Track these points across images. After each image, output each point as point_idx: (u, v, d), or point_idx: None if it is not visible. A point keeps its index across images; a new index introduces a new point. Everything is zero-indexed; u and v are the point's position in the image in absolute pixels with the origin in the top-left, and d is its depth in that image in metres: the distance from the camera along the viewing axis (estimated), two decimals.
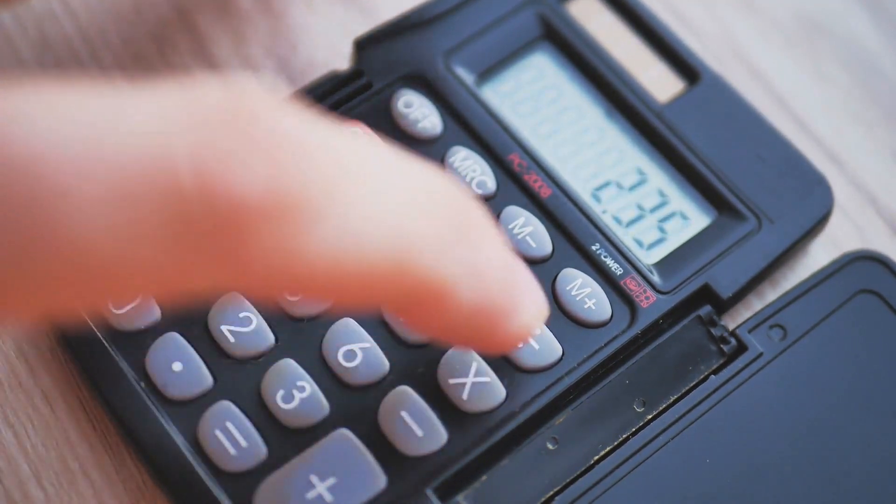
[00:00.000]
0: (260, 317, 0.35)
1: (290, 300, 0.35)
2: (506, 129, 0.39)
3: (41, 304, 0.26)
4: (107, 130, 0.24)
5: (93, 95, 0.25)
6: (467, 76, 0.40)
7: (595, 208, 0.38)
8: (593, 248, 0.37)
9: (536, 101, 0.40)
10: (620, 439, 0.35)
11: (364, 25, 0.42)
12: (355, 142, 0.28)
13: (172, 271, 0.25)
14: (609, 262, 0.37)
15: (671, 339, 0.36)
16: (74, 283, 0.25)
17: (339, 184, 0.26)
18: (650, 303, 0.36)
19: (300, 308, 0.35)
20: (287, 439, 0.34)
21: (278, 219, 0.25)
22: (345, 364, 0.35)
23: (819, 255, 0.40)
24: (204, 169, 0.24)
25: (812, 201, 0.39)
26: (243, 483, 0.33)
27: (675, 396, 0.36)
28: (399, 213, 0.28)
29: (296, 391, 0.34)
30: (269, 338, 0.35)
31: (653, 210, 0.39)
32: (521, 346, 0.35)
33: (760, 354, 0.36)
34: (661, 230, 0.38)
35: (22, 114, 0.24)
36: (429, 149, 0.39)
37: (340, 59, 0.42)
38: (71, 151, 0.24)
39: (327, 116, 0.38)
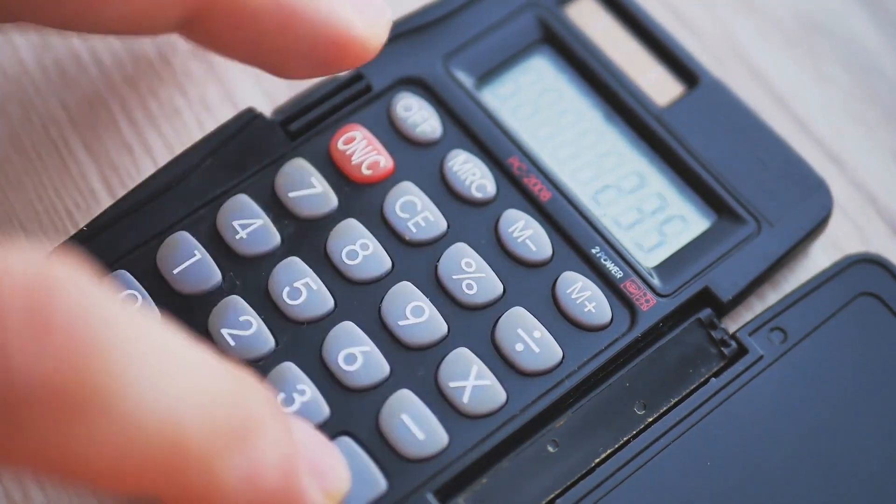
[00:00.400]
0: (260, 320, 0.35)
1: (290, 303, 0.36)
2: (505, 132, 0.39)
3: None
4: None
5: None
6: (467, 79, 0.40)
7: (595, 211, 0.38)
8: (593, 251, 0.37)
9: (536, 104, 0.40)
10: (621, 442, 0.35)
11: None
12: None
13: None
14: (609, 265, 0.37)
15: (671, 342, 0.36)
16: None
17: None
18: (650, 306, 0.36)
19: (300, 311, 0.35)
20: None
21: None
22: (345, 367, 0.35)
23: (819, 255, 0.40)
24: None
25: (811, 204, 0.39)
26: None
27: (676, 399, 0.36)
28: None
29: (296, 395, 0.34)
30: (270, 341, 0.35)
31: (653, 213, 0.39)
32: (359, 58, 0.34)
33: (761, 357, 0.36)
34: (661, 233, 0.38)
35: None
36: (428, 152, 0.39)
37: None
38: None
39: (327, 120, 0.38)
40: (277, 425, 0.29)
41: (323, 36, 0.32)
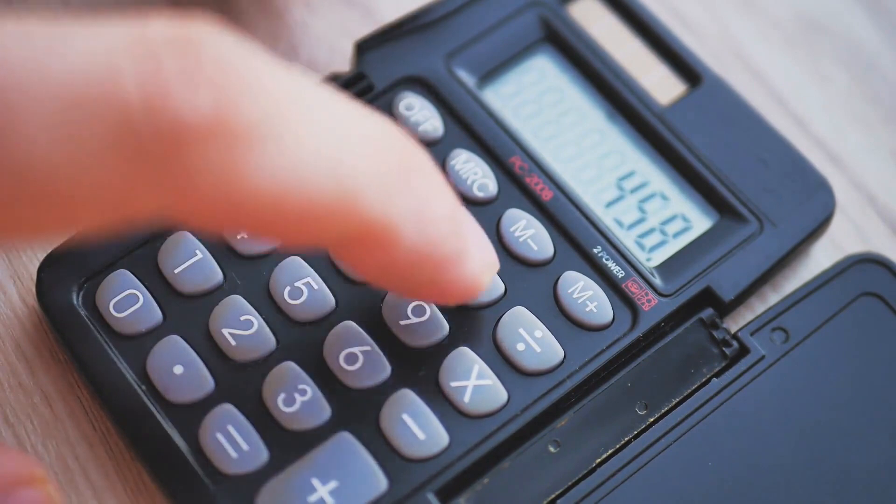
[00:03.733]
0: (261, 320, 0.35)
1: (292, 303, 0.35)
2: (507, 131, 0.39)
3: None
4: (52, 53, 0.25)
5: (34, 24, 0.25)
6: (469, 78, 0.40)
7: (597, 211, 0.38)
8: (595, 250, 0.37)
9: (538, 103, 0.40)
10: (622, 442, 0.35)
11: (365, 27, 0.42)
12: (304, 77, 0.28)
13: (116, 191, 0.25)
14: (611, 264, 0.37)
15: (673, 341, 0.36)
16: (16, 201, 0.25)
17: (285, 112, 0.27)
18: (652, 306, 0.36)
19: (302, 311, 0.35)
20: (288, 442, 0.34)
21: (221, 140, 0.25)
22: (346, 367, 0.35)
23: (819, 255, 0.40)
24: (150, 89, 0.25)
25: (814, 204, 0.39)
26: (244, 486, 0.33)
27: (678, 399, 0.36)
28: (346, 150, 0.28)
29: (297, 394, 0.34)
30: (271, 341, 0.35)
31: (654, 213, 0.39)
32: (471, 298, 0.34)
33: (763, 357, 0.36)
34: (663, 233, 0.38)
35: None
36: (430, 151, 0.38)
37: (341, 61, 0.42)
38: (16, 71, 0.24)
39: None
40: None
41: (453, 289, 0.33)
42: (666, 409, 0.35)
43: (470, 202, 0.38)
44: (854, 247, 0.40)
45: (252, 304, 0.36)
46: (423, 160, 0.30)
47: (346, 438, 0.34)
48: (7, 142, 0.24)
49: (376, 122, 0.29)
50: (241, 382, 0.35)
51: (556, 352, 0.35)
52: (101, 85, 0.24)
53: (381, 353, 0.35)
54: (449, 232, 0.30)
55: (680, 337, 0.36)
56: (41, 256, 0.37)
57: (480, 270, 0.32)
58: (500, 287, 0.36)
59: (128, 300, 0.35)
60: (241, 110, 0.26)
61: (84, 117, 0.24)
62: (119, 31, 0.25)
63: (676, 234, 0.38)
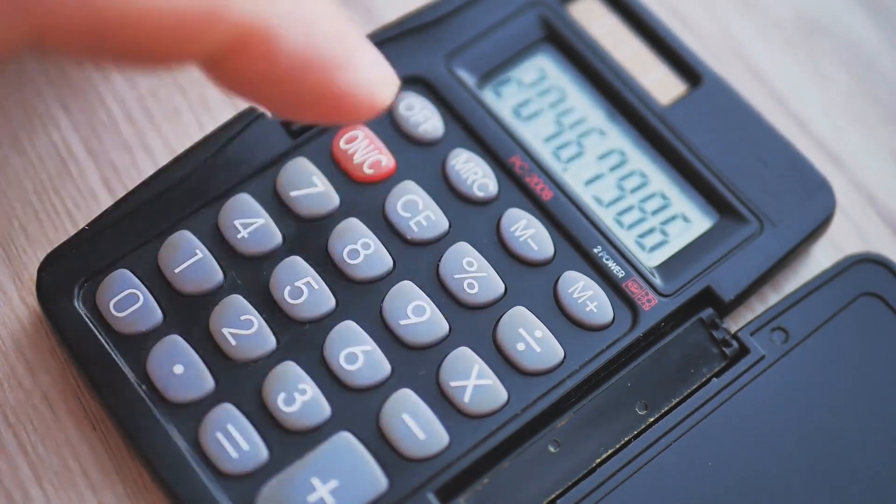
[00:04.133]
0: (261, 319, 0.35)
1: (292, 302, 0.35)
2: (507, 131, 0.39)
3: None
4: None
5: None
6: (469, 78, 0.40)
7: (597, 211, 0.38)
8: (595, 250, 0.37)
9: (538, 103, 0.40)
10: (622, 442, 0.35)
11: (365, 28, 0.42)
12: None
13: None
14: (611, 264, 0.37)
15: (673, 341, 0.36)
16: None
17: None
18: (652, 305, 0.36)
19: (302, 311, 0.35)
20: (288, 442, 0.34)
21: None
22: (346, 367, 0.35)
23: (819, 255, 0.40)
24: None
25: (814, 204, 0.39)
26: (244, 486, 0.33)
27: (677, 399, 0.36)
28: None
29: (297, 394, 0.34)
30: (271, 340, 0.35)
31: (655, 213, 0.39)
32: (368, 114, 0.31)
33: (763, 357, 0.36)
34: (663, 233, 0.38)
35: None
36: (430, 151, 0.39)
37: None
38: None
39: None
40: None
41: (345, 101, 0.31)
42: (666, 409, 0.35)
43: (470, 202, 0.38)
44: (854, 247, 0.40)
45: (252, 304, 0.36)
46: None
47: (346, 438, 0.34)
48: None
49: None
50: (241, 382, 0.35)
51: (556, 352, 0.35)
52: None
53: (381, 353, 0.35)
54: (333, 32, 0.29)
55: (680, 337, 0.36)
56: (41, 256, 0.37)
57: (374, 79, 0.30)
58: (501, 287, 0.36)
59: (128, 300, 0.35)
60: None
61: None
62: None
63: (677, 234, 0.38)
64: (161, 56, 0.28)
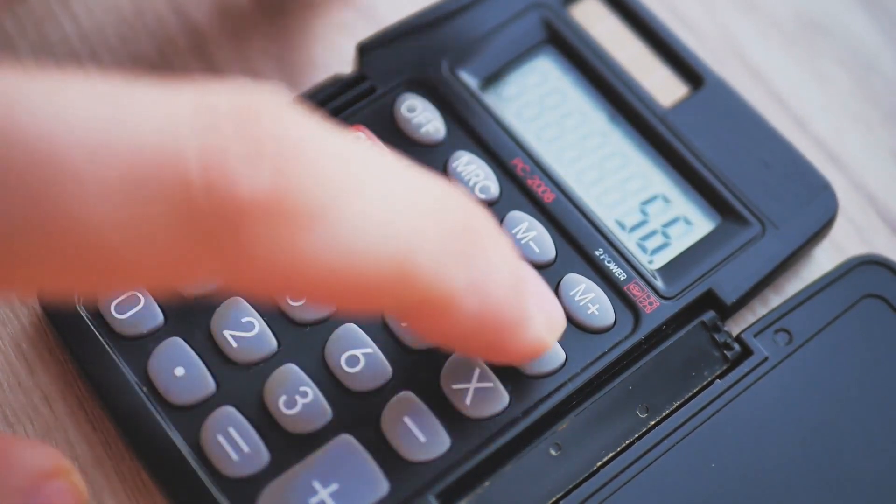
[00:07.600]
0: (262, 322, 0.35)
1: (293, 304, 0.35)
2: (509, 133, 0.39)
3: (34, 281, 0.26)
4: (116, 121, 0.25)
5: (96, 85, 0.25)
6: (471, 80, 0.40)
7: (598, 213, 0.38)
8: (597, 253, 0.37)
9: (540, 105, 0.40)
10: (624, 445, 0.35)
11: (367, 29, 0.41)
12: (359, 147, 0.28)
13: (172, 261, 0.26)
14: (612, 267, 0.37)
15: (675, 344, 0.36)
16: (73, 266, 0.25)
17: (342, 188, 0.27)
18: (654, 308, 0.36)
19: (303, 313, 0.35)
20: (289, 445, 0.34)
21: (279, 219, 0.26)
22: (347, 369, 0.35)
23: (820, 257, 0.40)
24: (211, 167, 0.25)
25: (816, 206, 0.39)
26: (245, 488, 0.33)
27: (679, 402, 0.35)
28: (401, 219, 0.28)
29: (298, 397, 0.34)
30: (272, 343, 0.35)
31: (656, 215, 0.39)
32: (535, 358, 0.35)
33: (766, 359, 0.36)
34: (665, 235, 0.38)
35: (24, 96, 0.24)
36: (432, 153, 0.38)
37: (343, 62, 0.42)
38: (82, 136, 0.24)
39: (330, 121, 0.38)
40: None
41: (516, 353, 0.33)
42: (667, 411, 0.35)
43: None
44: (854, 248, 0.40)
45: (253, 306, 0.35)
46: (484, 223, 0.30)
47: (347, 441, 0.34)
48: (65, 205, 0.24)
49: (436, 186, 0.29)
50: (242, 384, 0.35)
51: (557, 354, 0.35)
52: (165, 163, 0.25)
53: (382, 356, 0.35)
54: (510, 299, 0.31)
55: (682, 340, 0.36)
56: None
57: (544, 333, 0.32)
58: None
59: (129, 302, 0.35)
60: (301, 189, 0.26)
61: (145, 189, 0.25)
62: (181, 100, 0.26)
63: (678, 237, 0.38)
64: (343, 305, 0.31)
